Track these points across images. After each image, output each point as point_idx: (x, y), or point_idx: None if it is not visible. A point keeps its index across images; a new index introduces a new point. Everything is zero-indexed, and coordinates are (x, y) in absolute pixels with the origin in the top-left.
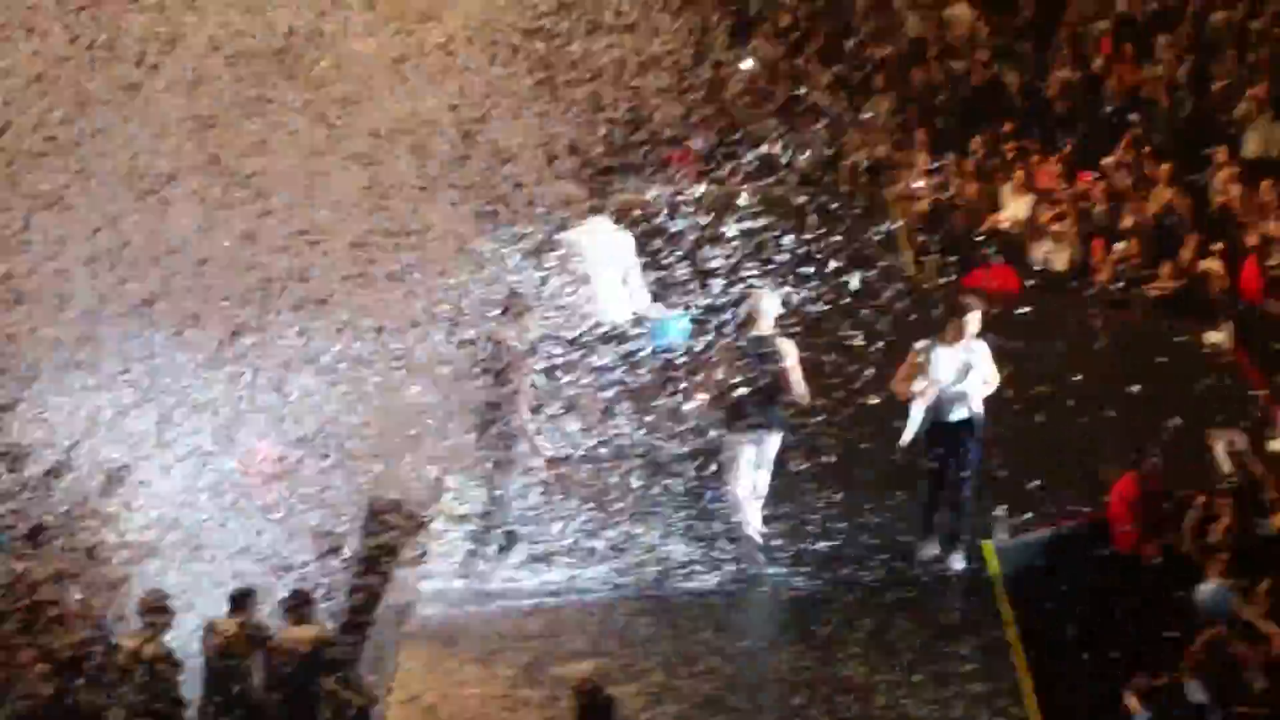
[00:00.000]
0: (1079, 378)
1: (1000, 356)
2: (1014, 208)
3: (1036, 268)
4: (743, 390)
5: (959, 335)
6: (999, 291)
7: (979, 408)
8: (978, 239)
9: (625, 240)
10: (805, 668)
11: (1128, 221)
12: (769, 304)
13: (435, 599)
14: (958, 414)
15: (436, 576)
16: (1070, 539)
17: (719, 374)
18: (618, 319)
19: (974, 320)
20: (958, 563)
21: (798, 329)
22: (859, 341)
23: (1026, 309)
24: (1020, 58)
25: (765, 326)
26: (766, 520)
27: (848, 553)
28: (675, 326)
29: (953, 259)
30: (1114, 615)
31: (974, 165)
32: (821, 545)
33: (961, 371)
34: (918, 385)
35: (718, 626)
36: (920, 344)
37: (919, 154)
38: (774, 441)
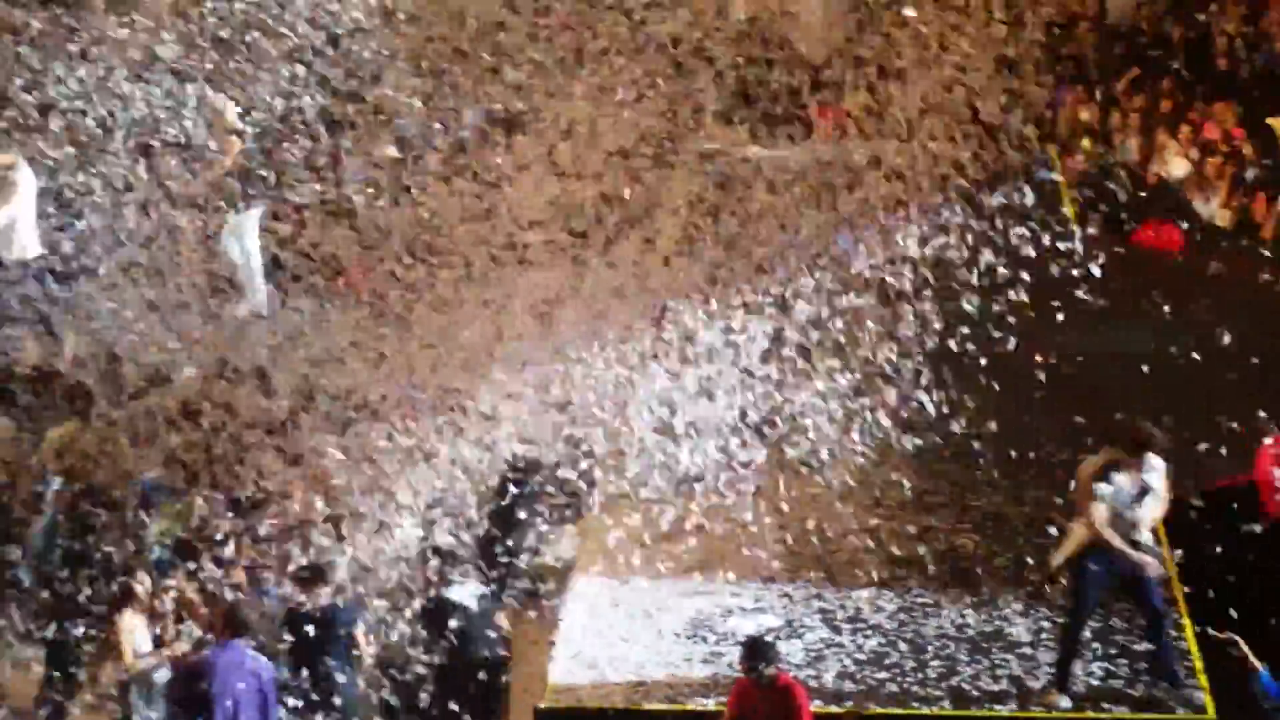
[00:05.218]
0: (1234, 335)
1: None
2: (1176, 163)
3: (1197, 224)
4: None
5: (1138, 461)
6: (1162, 248)
7: (1149, 539)
8: (1141, 195)
9: None
10: (968, 624)
11: None
12: None
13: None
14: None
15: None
16: (1224, 501)
17: None
18: None
19: (1157, 442)
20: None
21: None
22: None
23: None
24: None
25: None
26: None
27: None
28: None
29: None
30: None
31: (1137, 120)
32: None
33: (1137, 496)
34: (1098, 513)
35: (880, 583)
36: (1092, 461)
37: (1080, 108)
38: None
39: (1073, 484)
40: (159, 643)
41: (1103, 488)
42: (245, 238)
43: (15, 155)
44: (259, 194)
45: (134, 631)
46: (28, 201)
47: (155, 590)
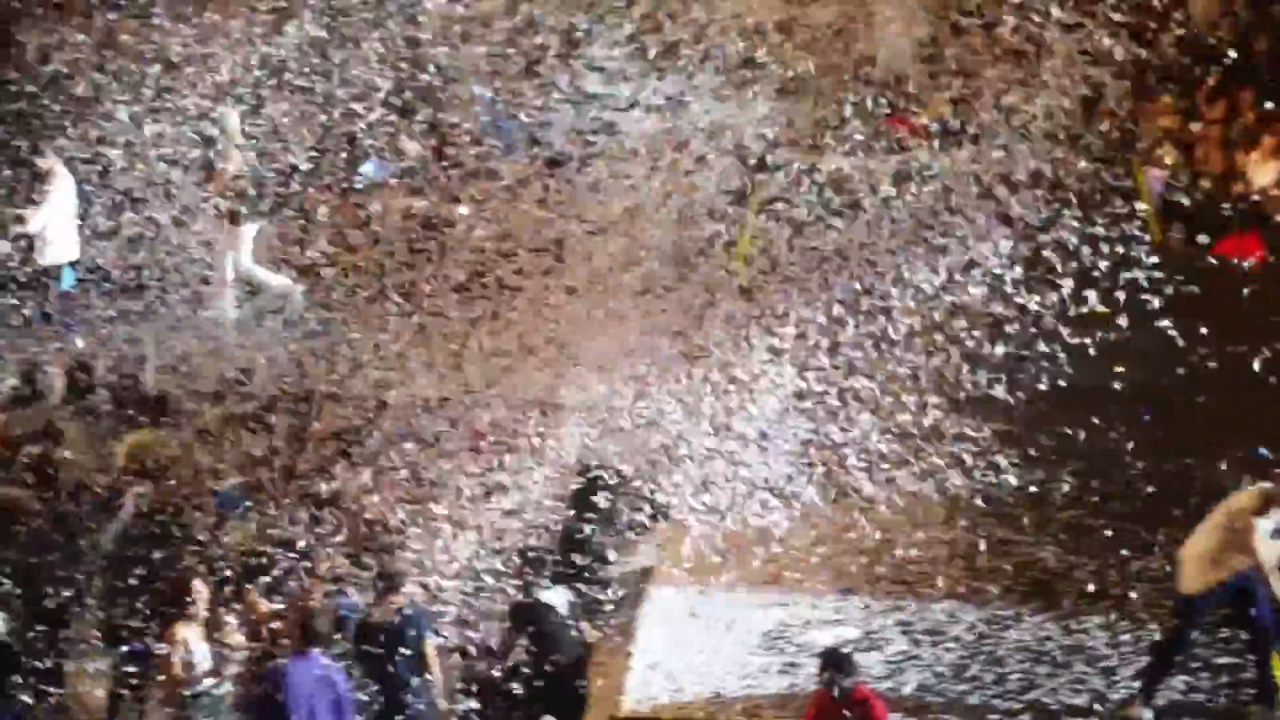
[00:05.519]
0: None
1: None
2: (1259, 172)
3: None
4: None
5: None
6: (1244, 259)
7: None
8: (1224, 206)
9: None
10: (1048, 638)
11: None
12: None
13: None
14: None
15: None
16: None
17: None
18: None
19: None
20: None
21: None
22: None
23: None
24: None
25: None
26: None
27: None
28: None
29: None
30: None
31: (1218, 130)
32: None
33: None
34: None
35: (959, 595)
36: (1248, 496)
37: (1162, 117)
38: None
39: (1224, 516)
40: (221, 655)
41: (1266, 524)
42: (240, 251)
43: (53, 159)
44: (254, 211)
45: (188, 643)
46: (66, 206)
47: (219, 601)
